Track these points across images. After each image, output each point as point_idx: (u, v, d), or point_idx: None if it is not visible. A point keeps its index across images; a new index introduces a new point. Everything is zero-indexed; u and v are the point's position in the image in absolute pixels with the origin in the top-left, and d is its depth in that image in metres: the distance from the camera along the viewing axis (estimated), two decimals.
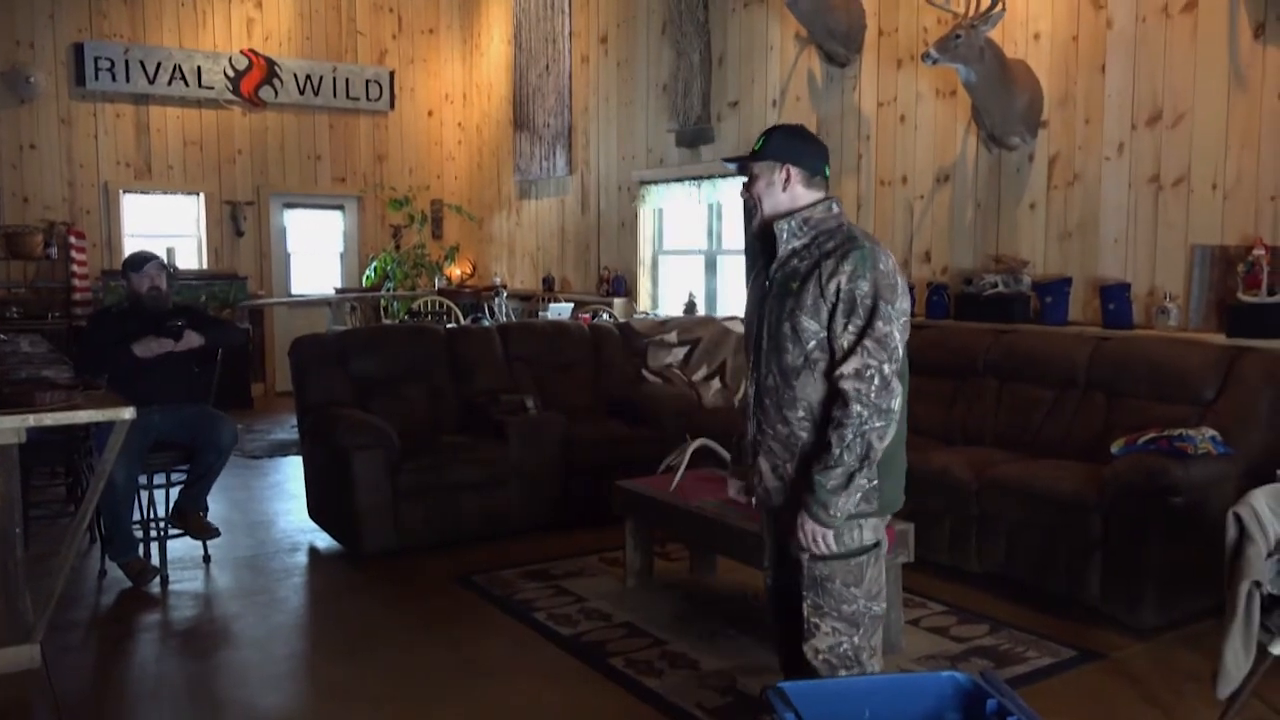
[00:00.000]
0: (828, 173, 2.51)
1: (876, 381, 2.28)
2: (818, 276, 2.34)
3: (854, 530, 2.42)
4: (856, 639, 2.46)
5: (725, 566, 4.45)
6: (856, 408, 2.28)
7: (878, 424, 2.29)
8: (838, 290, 2.32)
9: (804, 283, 2.36)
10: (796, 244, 2.42)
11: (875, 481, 2.37)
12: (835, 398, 2.33)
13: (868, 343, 2.29)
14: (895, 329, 2.31)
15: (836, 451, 2.29)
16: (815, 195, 2.45)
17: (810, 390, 2.38)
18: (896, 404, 2.31)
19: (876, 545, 2.47)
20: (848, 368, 2.30)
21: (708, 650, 3.66)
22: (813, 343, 2.36)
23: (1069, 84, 5.19)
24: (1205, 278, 4.67)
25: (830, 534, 2.36)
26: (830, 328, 2.34)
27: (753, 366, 2.52)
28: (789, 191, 2.44)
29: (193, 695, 3.45)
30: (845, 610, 2.45)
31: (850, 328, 2.31)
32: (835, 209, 2.45)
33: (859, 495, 2.34)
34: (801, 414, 2.40)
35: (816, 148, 2.49)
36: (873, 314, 2.29)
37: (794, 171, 2.43)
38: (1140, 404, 4.36)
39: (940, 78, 5.73)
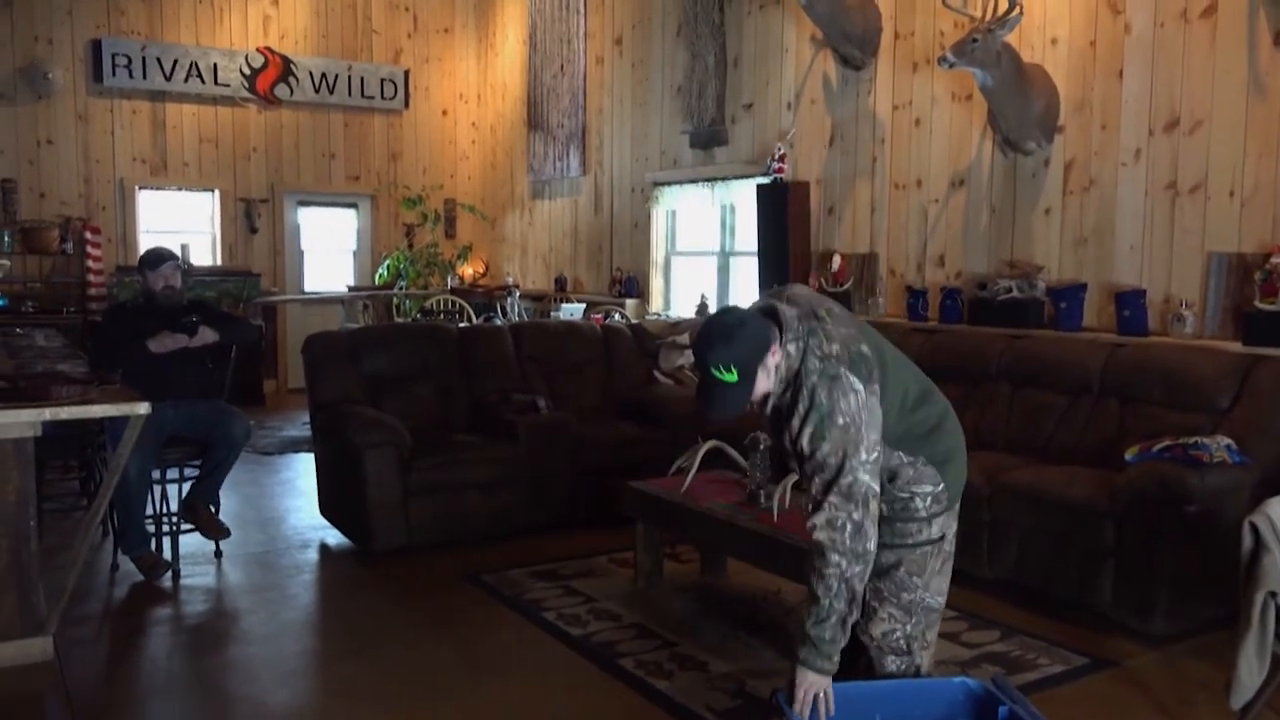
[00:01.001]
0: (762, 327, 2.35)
1: (849, 529, 2.28)
2: (788, 428, 2.36)
3: (925, 526, 2.49)
4: (909, 628, 2.52)
5: (735, 569, 4.44)
6: (834, 557, 2.28)
7: (857, 568, 2.30)
8: (801, 451, 2.33)
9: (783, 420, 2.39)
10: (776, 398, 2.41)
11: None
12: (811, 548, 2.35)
13: (833, 498, 2.28)
14: (863, 473, 2.28)
15: (825, 602, 2.30)
16: (775, 355, 2.34)
17: None
18: (872, 545, 2.31)
19: (942, 538, 2.53)
20: (819, 519, 2.30)
21: (717, 652, 3.66)
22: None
23: (1086, 89, 5.17)
24: (1222, 285, 4.64)
25: (829, 684, 2.35)
26: (800, 469, 2.38)
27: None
28: (774, 369, 2.36)
29: (203, 690, 3.46)
30: (904, 598, 2.51)
31: (817, 481, 2.32)
32: (789, 349, 2.33)
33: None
34: None
35: (753, 326, 2.31)
36: (839, 471, 2.28)
37: (768, 358, 2.32)
38: (1155, 411, 4.33)
39: (956, 82, 5.71)
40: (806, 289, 2.57)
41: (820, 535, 2.30)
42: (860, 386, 2.29)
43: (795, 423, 2.32)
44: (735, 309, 2.39)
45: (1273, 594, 2.75)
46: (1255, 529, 2.80)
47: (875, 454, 2.31)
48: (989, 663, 3.57)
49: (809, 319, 2.36)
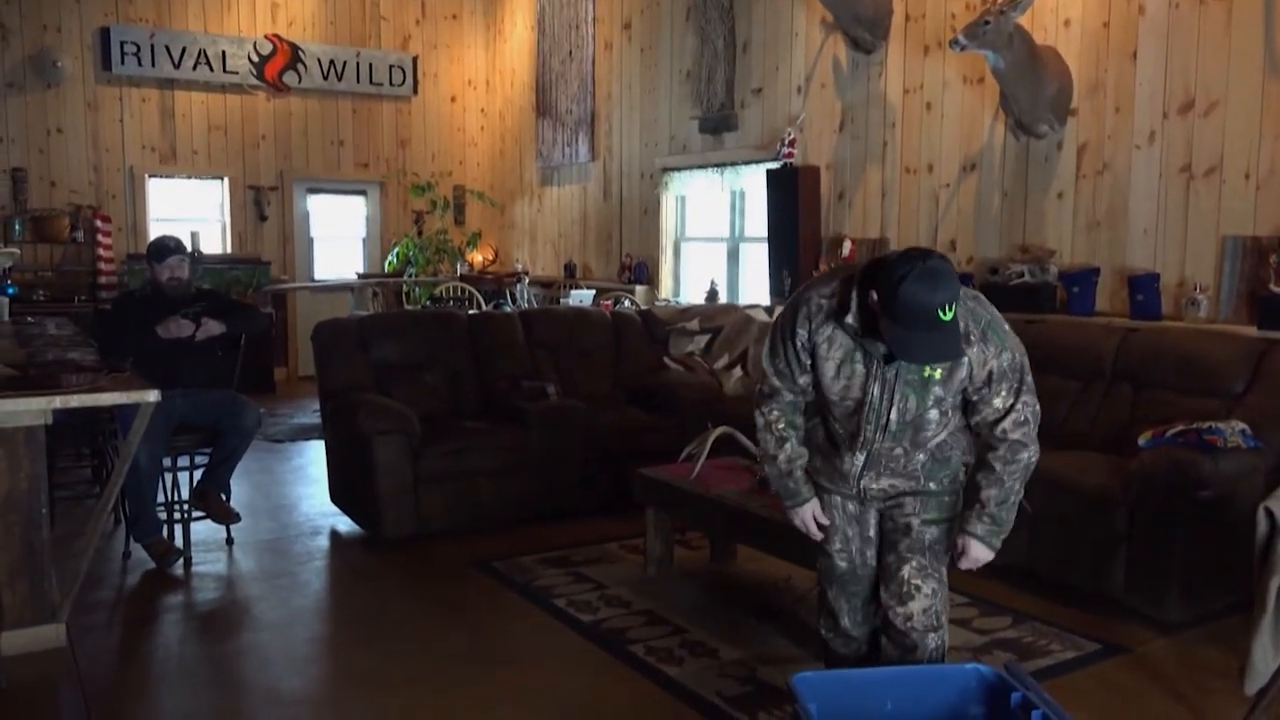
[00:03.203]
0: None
1: (1034, 421, 2.50)
2: (967, 364, 2.43)
3: (958, 498, 2.65)
4: (940, 600, 2.67)
5: (746, 555, 4.43)
6: (1030, 451, 2.49)
7: (1037, 456, 2.52)
8: (989, 372, 2.45)
9: (951, 371, 2.44)
10: None
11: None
12: (991, 444, 2.51)
13: (1025, 396, 2.47)
14: (1028, 369, 2.50)
15: (1012, 485, 2.50)
16: None
17: (935, 441, 2.57)
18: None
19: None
20: (1010, 421, 2.47)
21: (727, 639, 3.65)
22: (953, 416, 2.55)
23: (1099, 71, 5.12)
24: (1236, 269, 4.60)
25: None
26: (980, 393, 2.48)
27: (864, 431, 2.55)
28: None
29: (215, 677, 3.47)
30: (941, 572, 2.67)
31: (1003, 390, 2.46)
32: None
33: None
34: (924, 457, 2.59)
35: (944, 264, 2.30)
36: (1022, 370, 2.47)
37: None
38: (1168, 396, 4.30)
39: (968, 65, 5.67)
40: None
41: (1016, 434, 2.46)
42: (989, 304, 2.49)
43: (976, 351, 2.40)
44: (906, 254, 2.27)
45: None
46: (1270, 514, 2.78)
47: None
48: (1001, 649, 3.56)
49: None
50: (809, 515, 2.71)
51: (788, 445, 2.67)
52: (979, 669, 2.52)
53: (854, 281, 2.40)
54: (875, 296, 2.30)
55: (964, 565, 2.61)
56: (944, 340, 2.28)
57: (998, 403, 2.46)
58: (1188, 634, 3.70)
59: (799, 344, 2.53)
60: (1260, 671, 2.77)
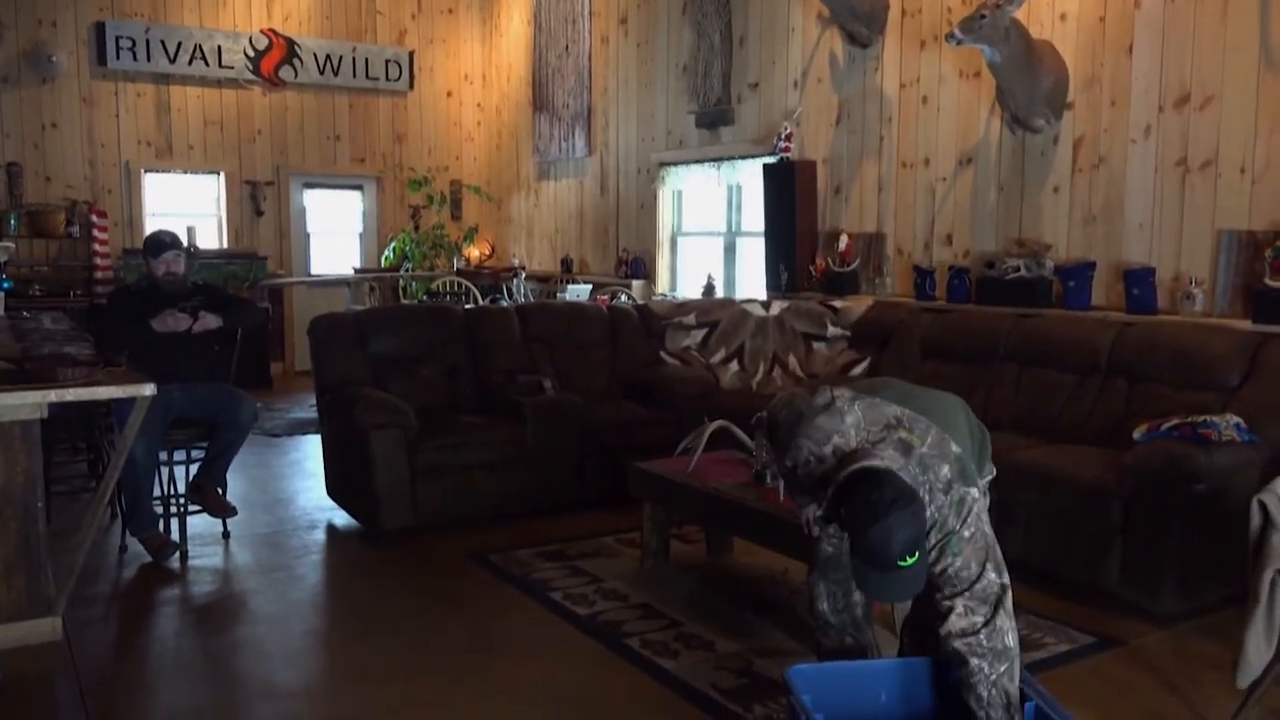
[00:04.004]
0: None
1: (989, 638, 2.33)
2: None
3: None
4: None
5: (742, 549, 4.44)
6: (974, 662, 2.33)
7: (1001, 668, 2.35)
8: (941, 574, 2.37)
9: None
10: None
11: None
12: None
13: (970, 603, 2.36)
14: (991, 571, 2.37)
15: (982, 714, 2.35)
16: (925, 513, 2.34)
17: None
18: (1010, 641, 2.36)
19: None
20: (953, 621, 2.36)
21: (723, 632, 3.66)
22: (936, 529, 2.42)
23: (1095, 65, 5.12)
24: (1232, 263, 4.61)
25: None
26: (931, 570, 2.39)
27: None
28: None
29: (211, 669, 3.48)
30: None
31: (945, 590, 2.38)
32: (930, 505, 2.34)
33: None
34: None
35: (904, 504, 2.24)
36: (973, 581, 2.35)
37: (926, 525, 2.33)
38: (1163, 390, 4.31)
39: (964, 59, 5.67)
40: (842, 396, 2.51)
41: (958, 643, 2.34)
42: (975, 492, 2.37)
43: (927, 548, 2.31)
44: (871, 498, 2.23)
45: None
46: (1264, 507, 2.78)
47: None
48: None
49: (905, 451, 2.34)
50: (806, 514, 2.79)
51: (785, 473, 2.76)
52: None
53: (829, 484, 2.37)
54: (845, 515, 2.29)
55: None
56: (903, 582, 2.27)
57: (937, 597, 2.38)
58: (1182, 627, 3.71)
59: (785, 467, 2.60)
60: (1253, 664, 2.78)
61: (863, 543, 2.22)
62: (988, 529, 2.38)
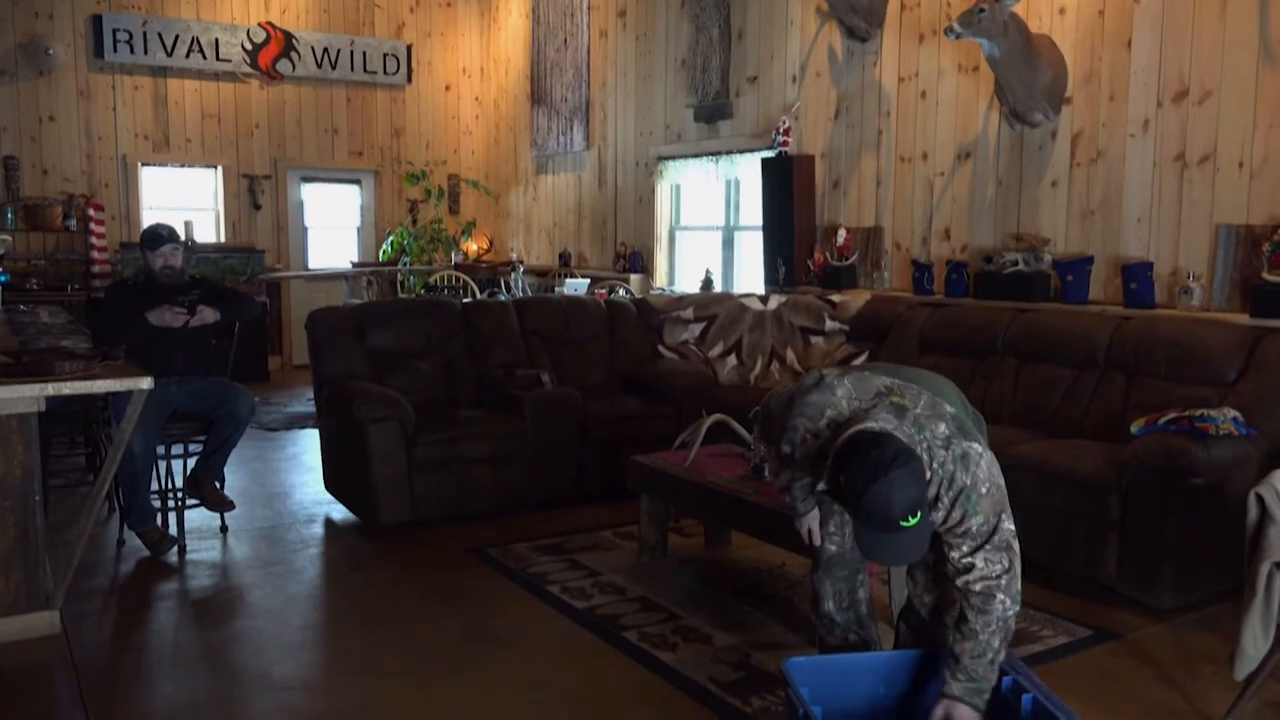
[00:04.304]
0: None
1: (1005, 575, 2.37)
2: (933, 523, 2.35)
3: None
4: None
5: (739, 542, 4.45)
6: (999, 606, 2.37)
7: (1016, 609, 2.41)
8: (950, 527, 2.37)
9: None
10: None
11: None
12: (962, 596, 2.41)
13: (988, 553, 2.37)
14: (1006, 521, 2.38)
15: (996, 643, 2.39)
16: (927, 475, 2.32)
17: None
18: (1018, 585, 2.40)
19: None
20: (973, 575, 2.37)
21: (721, 625, 3.66)
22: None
23: (1094, 60, 5.12)
24: (1230, 257, 4.61)
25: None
26: (946, 538, 2.41)
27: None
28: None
29: (209, 663, 3.48)
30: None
31: (964, 546, 2.38)
32: (931, 464, 2.32)
33: None
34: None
35: (902, 462, 2.22)
36: (991, 533, 2.36)
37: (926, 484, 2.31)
38: (1161, 384, 4.31)
39: (963, 53, 5.66)
40: (830, 372, 2.56)
41: (978, 587, 2.36)
42: (978, 446, 2.37)
43: (940, 515, 2.33)
44: (870, 455, 2.22)
45: (1278, 565, 2.75)
46: (1261, 500, 2.79)
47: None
48: None
49: (898, 413, 2.35)
50: (806, 524, 2.82)
51: (783, 474, 2.75)
52: None
53: (828, 455, 2.37)
54: (844, 481, 2.28)
55: None
56: (907, 543, 2.26)
57: (955, 555, 2.38)
58: (1179, 620, 3.72)
59: (783, 454, 2.63)
60: (1250, 657, 2.79)
61: (865, 504, 2.20)
62: (999, 479, 2.38)
